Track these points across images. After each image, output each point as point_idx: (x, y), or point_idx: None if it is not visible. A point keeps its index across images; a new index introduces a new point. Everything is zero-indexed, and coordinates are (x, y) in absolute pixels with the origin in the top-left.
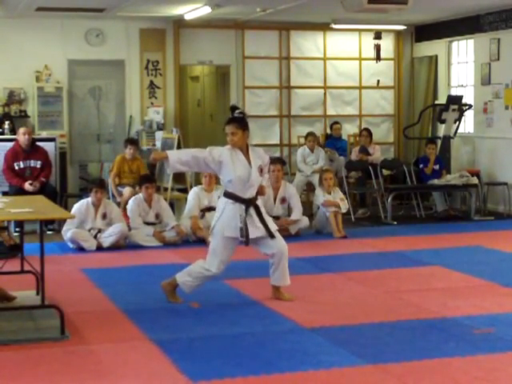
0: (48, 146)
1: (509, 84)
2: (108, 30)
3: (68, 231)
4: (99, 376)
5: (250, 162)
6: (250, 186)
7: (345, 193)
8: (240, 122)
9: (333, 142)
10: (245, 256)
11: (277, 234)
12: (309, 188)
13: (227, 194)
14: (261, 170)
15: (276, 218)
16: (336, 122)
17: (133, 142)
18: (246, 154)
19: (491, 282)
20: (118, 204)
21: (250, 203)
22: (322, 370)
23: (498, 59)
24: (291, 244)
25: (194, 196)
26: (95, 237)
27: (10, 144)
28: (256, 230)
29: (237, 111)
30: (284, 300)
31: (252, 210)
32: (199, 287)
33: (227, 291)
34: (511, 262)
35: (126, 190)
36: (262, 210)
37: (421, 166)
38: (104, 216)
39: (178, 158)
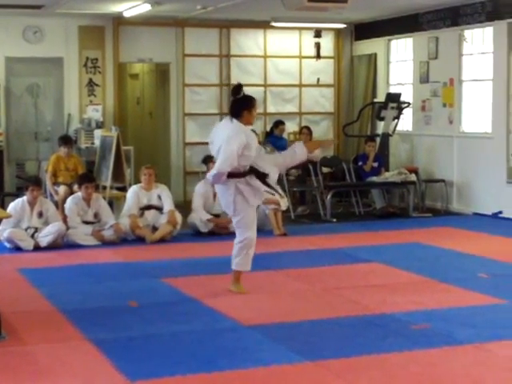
0: None
1: (447, 82)
2: (46, 27)
3: (4, 231)
4: (37, 377)
5: None
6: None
7: (284, 190)
8: None
9: (273, 139)
10: (183, 254)
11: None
12: None
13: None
14: None
15: (216, 216)
16: (282, 122)
17: (66, 141)
18: None
19: (429, 278)
20: (56, 203)
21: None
22: (262, 367)
23: (437, 58)
24: (230, 242)
25: (133, 194)
26: (32, 236)
27: None
28: None
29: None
30: None
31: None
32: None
33: (166, 290)
34: (448, 258)
35: (61, 189)
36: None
37: (360, 163)
38: (40, 214)
39: None
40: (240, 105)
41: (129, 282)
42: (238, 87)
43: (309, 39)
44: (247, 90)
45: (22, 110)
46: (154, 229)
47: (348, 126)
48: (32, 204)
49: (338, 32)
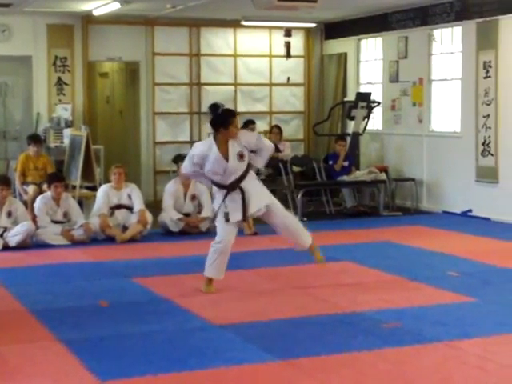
0: None
1: (416, 81)
2: (14, 26)
3: None
4: (6, 377)
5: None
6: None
7: None
8: None
9: None
10: (153, 254)
11: (278, 206)
12: None
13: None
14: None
15: (186, 215)
16: (252, 122)
17: (36, 140)
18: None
19: (399, 276)
20: (25, 202)
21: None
22: (233, 366)
23: (406, 57)
24: (201, 241)
25: (103, 194)
26: (1, 236)
27: None
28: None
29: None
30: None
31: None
32: (223, 264)
33: (137, 290)
34: (418, 256)
35: (31, 188)
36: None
37: (330, 162)
38: (9, 214)
39: None
40: (217, 122)
41: (99, 281)
42: (214, 106)
43: (279, 38)
44: (217, 90)
45: None
46: (125, 228)
47: (318, 125)
48: (1, 204)
49: (308, 31)
